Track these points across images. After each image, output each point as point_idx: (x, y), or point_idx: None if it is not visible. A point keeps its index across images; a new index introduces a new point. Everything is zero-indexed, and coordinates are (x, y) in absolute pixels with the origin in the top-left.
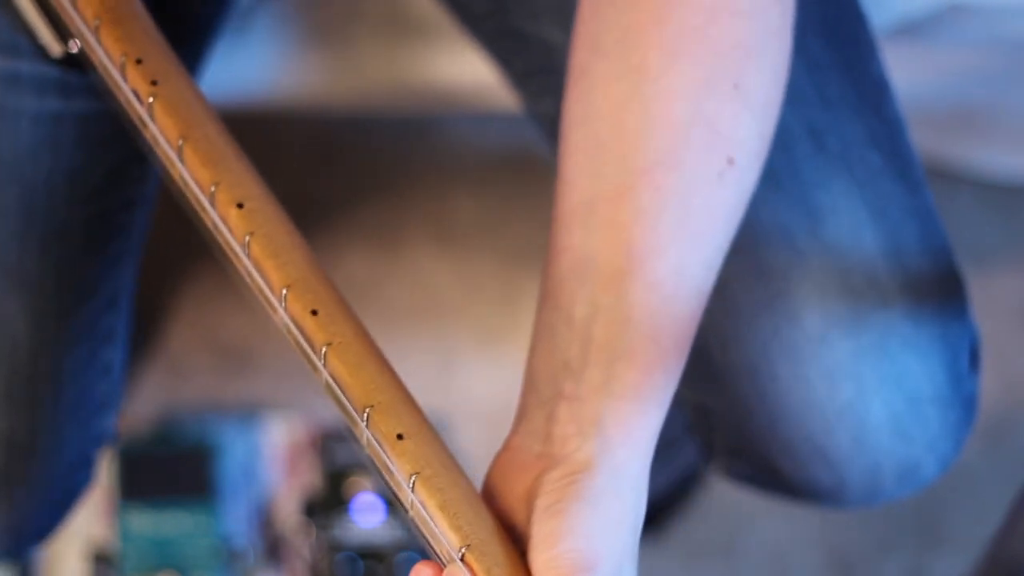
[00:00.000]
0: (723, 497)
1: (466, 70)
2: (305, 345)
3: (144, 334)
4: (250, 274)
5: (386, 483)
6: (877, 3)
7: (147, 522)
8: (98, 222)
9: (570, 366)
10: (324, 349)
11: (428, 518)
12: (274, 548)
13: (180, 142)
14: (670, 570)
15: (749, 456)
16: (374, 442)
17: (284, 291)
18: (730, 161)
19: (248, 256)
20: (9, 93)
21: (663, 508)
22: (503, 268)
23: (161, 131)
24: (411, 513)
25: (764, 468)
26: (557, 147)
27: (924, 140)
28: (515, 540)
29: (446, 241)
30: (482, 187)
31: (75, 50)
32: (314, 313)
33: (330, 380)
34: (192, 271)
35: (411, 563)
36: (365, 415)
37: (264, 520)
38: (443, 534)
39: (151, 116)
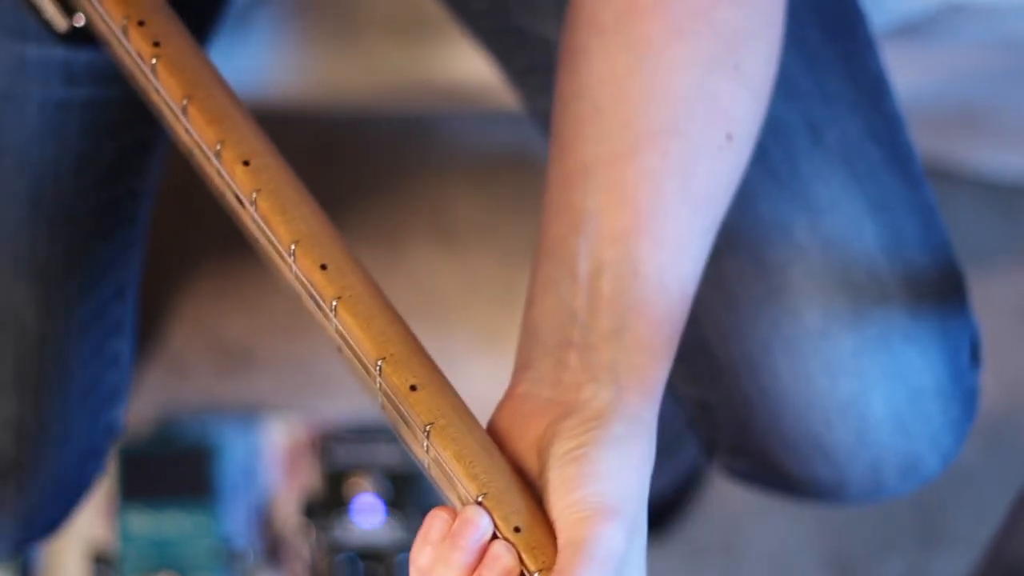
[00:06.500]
0: (723, 497)
1: (466, 68)
2: (317, 298)
3: (145, 334)
4: (260, 230)
5: (402, 437)
6: (877, 3)
7: (147, 522)
8: (105, 211)
9: (577, 316)
10: (334, 303)
11: (445, 469)
12: (274, 548)
13: (184, 101)
14: (670, 570)
15: (751, 453)
16: (388, 394)
17: (292, 246)
18: (729, 137)
19: (256, 212)
20: (15, 80)
21: (665, 508)
22: (503, 268)
23: (166, 91)
24: (428, 464)
25: (766, 465)
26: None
27: (924, 140)
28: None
29: (446, 241)
30: (482, 187)
31: (81, 23)
32: (323, 268)
33: (341, 333)
34: (192, 271)
35: None
36: (378, 367)
37: (264, 520)
38: (460, 483)
39: (155, 76)
